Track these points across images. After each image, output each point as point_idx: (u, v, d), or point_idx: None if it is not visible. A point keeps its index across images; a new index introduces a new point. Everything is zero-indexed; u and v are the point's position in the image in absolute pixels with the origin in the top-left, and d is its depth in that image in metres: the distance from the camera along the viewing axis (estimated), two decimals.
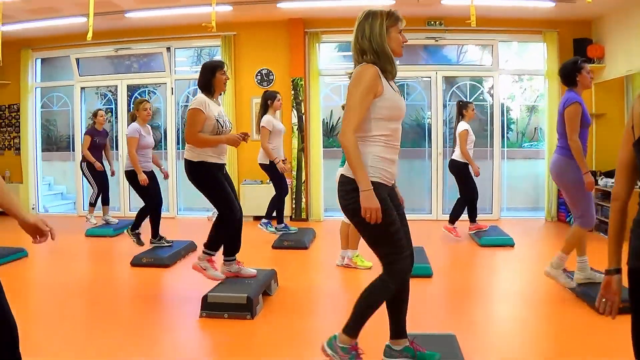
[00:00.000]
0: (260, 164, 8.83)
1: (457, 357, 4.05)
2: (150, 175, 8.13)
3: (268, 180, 9.37)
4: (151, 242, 8.08)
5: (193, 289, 6.07)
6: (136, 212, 8.30)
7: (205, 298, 5.32)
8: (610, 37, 10.42)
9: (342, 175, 3.64)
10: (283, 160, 8.80)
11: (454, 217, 9.11)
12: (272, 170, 8.74)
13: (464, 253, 8.45)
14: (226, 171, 6.01)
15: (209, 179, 5.71)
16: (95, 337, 4.83)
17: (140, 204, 8.23)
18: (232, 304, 5.25)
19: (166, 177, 8.66)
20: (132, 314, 5.54)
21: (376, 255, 3.70)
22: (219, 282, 5.82)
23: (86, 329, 5.10)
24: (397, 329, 3.88)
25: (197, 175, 5.72)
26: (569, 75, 5.77)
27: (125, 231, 8.41)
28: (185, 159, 5.75)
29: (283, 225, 9.18)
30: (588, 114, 5.70)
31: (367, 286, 3.71)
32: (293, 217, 11.21)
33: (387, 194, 3.58)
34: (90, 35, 8.12)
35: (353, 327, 3.71)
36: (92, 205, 10.20)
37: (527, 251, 8.56)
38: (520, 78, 12.62)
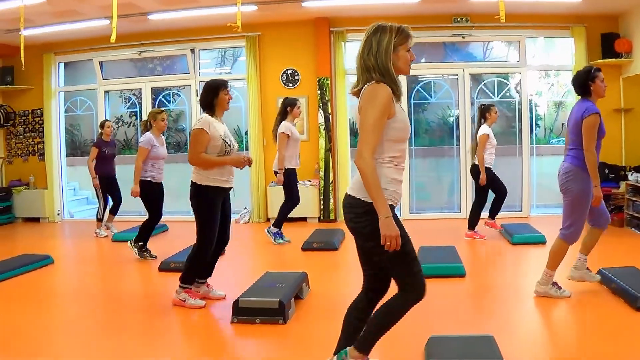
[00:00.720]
0: (276, 172, 8.80)
1: (498, 359, 4.02)
2: (160, 187, 8.15)
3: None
4: (135, 245, 8.12)
5: (224, 292, 6.14)
6: (165, 217, 8.36)
7: (236, 303, 5.31)
8: (638, 31, 10.33)
9: (350, 197, 3.55)
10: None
11: (472, 222, 9.15)
12: (287, 179, 8.73)
13: (495, 252, 8.41)
14: (227, 204, 5.97)
15: (207, 207, 5.65)
16: (125, 344, 4.87)
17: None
18: (264, 309, 5.23)
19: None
20: (163, 320, 5.54)
21: (394, 276, 3.65)
22: (251, 285, 5.79)
23: (116, 335, 5.10)
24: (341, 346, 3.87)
25: (197, 200, 5.66)
26: (583, 84, 5.73)
27: (129, 244, 8.28)
28: (191, 182, 5.67)
29: (278, 230, 9.09)
30: (604, 125, 5.65)
31: (385, 303, 3.69)
32: (322, 217, 11.19)
33: (395, 218, 3.47)
34: (114, 37, 8.09)
35: (367, 343, 3.70)
36: (100, 220, 10.19)
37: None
38: (547, 74, 12.56)
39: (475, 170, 9.02)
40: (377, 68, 3.41)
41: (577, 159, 5.62)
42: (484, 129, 8.87)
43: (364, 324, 3.75)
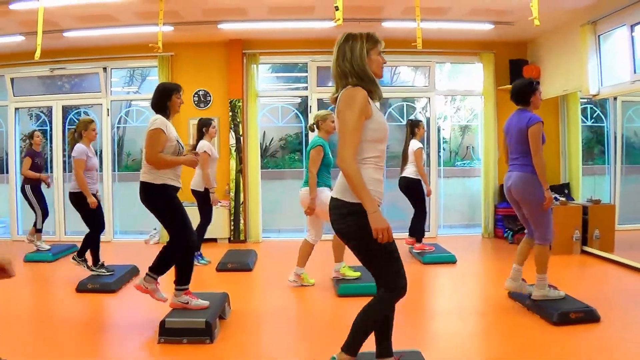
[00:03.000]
0: (193, 190, 8.86)
1: None
2: (96, 197, 8.01)
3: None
4: (91, 270, 7.93)
5: (145, 313, 6.14)
6: (80, 237, 8.22)
7: (162, 323, 5.32)
8: (546, 58, 10.94)
9: (334, 199, 3.71)
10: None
11: (418, 235, 9.38)
12: (205, 198, 8.83)
13: (408, 271, 8.49)
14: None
15: (169, 203, 5.68)
16: None
17: (79, 227, 8.19)
18: (190, 329, 5.27)
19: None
20: (86, 342, 5.45)
21: (374, 275, 3.81)
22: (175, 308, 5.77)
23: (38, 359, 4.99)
24: (385, 347, 4.06)
25: (156, 199, 5.67)
26: (524, 95, 6.06)
27: (72, 259, 8.12)
28: (142, 182, 5.65)
29: (198, 252, 9.14)
30: (544, 133, 5.93)
31: (368, 304, 3.84)
32: (232, 238, 11.31)
33: None
34: (38, 53, 8.17)
35: (353, 345, 3.84)
36: (39, 230, 9.93)
37: (469, 267, 8.89)
38: (453, 98, 13.07)
39: (405, 184, 9.23)
40: (354, 72, 3.62)
41: (527, 166, 5.91)
42: (416, 143, 9.16)
43: (389, 319, 3.99)
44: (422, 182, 9.17)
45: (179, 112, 5.99)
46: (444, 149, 13.17)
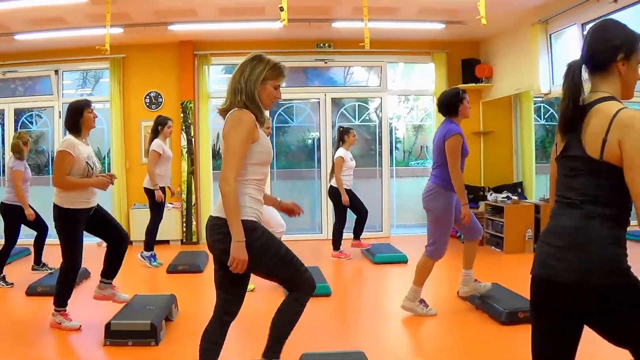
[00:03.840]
0: (145, 188, 8.88)
1: None
2: (21, 210, 8.02)
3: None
4: (32, 269, 8.04)
5: (93, 316, 6.10)
6: (30, 240, 8.45)
7: (108, 326, 5.33)
8: (497, 58, 11.09)
9: (216, 218, 3.63)
10: (169, 188, 9.07)
11: (336, 242, 9.54)
12: (153, 197, 8.85)
13: (359, 271, 8.78)
14: (99, 205, 5.97)
15: (69, 228, 5.69)
16: None
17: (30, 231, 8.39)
18: (136, 331, 5.28)
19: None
20: (34, 345, 5.47)
21: (280, 282, 3.91)
22: (121, 309, 5.82)
23: None
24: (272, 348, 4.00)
25: (59, 221, 5.69)
26: (451, 105, 5.98)
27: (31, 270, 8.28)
28: (54, 204, 5.69)
29: (151, 253, 9.15)
30: (466, 144, 5.89)
31: (280, 307, 3.86)
32: (184, 240, 11.34)
33: (263, 229, 3.67)
34: None
35: (274, 349, 3.87)
36: None
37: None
38: (407, 98, 13.14)
39: (332, 192, 9.38)
40: (245, 92, 3.59)
41: (439, 178, 5.89)
42: (340, 152, 9.24)
43: (221, 347, 3.91)
44: (349, 191, 9.34)
45: (94, 127, 5.97)
46: (397, 149, 13.23)
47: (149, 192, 8.86)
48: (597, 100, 2.51)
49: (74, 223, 5.70)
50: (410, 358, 5.03)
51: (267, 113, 10.50)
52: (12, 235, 8.02)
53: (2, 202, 8.05)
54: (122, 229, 6.14)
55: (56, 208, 5.67)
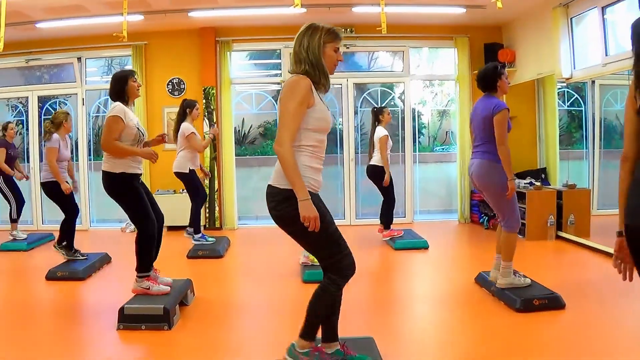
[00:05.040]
0: (177, 173, 8.93)
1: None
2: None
3: (182, 190, 9.65)
4: (67, 255, 8.09)
5: (109, 301, 6.15)
6: (58, 225, 8.32)
7: (122, 310, 5.40)
8: (520, 42, 11.05)
9: (270, 186, 3.79)
10: (202, 168, 9.30)
11: (387, 221, 9.51)
12: (190, 180, 8.95)
13: (379, 257, 8.78)
14: (142, 180, 6.05)
15: (129, 191, 5.74)
16: (9, 354, 4.88)
17: (57, 216, 8.37)
18: (149, 315, 5.34)
19: (76, 190, 8.56)
20: (49, 329, 5.57)
21: (318, 259, 3.92)
22: (134, 295, 5.83)
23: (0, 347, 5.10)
24: (330, 331, 4.10)
25: (116, 188, 5.72)
26: (490, 80, 5.98)
27: (53, 246, 8.28)
28: (103, 171, 5.73)
29: (201, 234, 9.33)
30: (510, 120, 5.89)
31: (317, 289, 3.91)
32: (207, 225, 11.52)
33: (318, 200, 3.74)
34: (1, 46, 8.24)
35: (309, 330, 3.93)
36: (15, 220, 10.10)
37: (441, 253, 8.94)
38: (431, 83, 13.22)
39: (371, 171, 9.38)
40: (308, 61, 3.73)
41: (489, 153, 5.86)
42: (382, 130, 9.25)
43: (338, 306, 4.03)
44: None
45: (139, 96, 6.10)
46: (422, 134, 13.25)
47: (183, 176, 8.94)
48: None
49: (131, 185, 5.76)
50: (421, 345, 5.03)
51: None
52: (67, 206, 8.19)
53: (41, 183, 8.21)
54: (160, 210, 6.14)
55: (107, 175, 5.72)
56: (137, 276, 5.85)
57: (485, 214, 10.87)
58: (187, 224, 9.46)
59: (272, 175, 3.81)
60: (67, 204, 8.17)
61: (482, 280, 6.55)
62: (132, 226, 11.47)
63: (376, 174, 9.31)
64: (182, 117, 8.96)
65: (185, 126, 8.83)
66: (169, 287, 5.90)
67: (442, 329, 5.48)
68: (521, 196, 9.73)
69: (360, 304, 6.28)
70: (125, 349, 5.06)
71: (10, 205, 10.02)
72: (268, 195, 3.80)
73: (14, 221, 10.08)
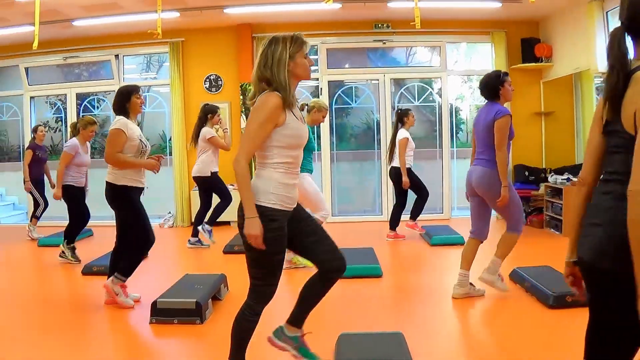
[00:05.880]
0: (197, 177, 9.08)
1: (405, 355, 4.22)
2: (82, 191, 8.50)
3: None
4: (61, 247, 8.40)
5: (143, 295, 6.30)
6: (96, 222, 8.77)
7: (154, 304, 5.51)
8: (557, 36, 11.05)
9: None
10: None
11: (394, 223, 9.68)
12: (214, 182, 9.06)
13: (414, 253, 8.85)
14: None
15: (128, 204, 5.91)
16: (47, 347, 4.99)
17: (94, 213, 8.64)
18: (181, 309, 5.45)
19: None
20: (83, 322, 5.69)
21: (250, 276, 3.83)
22: (169, 287, 6.01)
23: (39, 339, 5.23)
24: (299, 317, 4.13)
25: (117, 199, 5.91)
26: (492, 88, 5.93)
27: (60, 245, 8.55)
28: (106, 182, 5.91)
29: (210, 228, 9.34)
30: (513, 127, 5.87)
31: (237, 314, 3.93)
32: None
33: (285, 222, 3.69)
34: (36, 43, 8.41)
35: (236, 356, 4.02)
36: (37, 217, 10.46)
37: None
38: (470, 78, 13.26)
39: (394, 173, 9.50)
40: (273, 79, 3.61)
41: (491, 162, 5.83)
42: (403, 132, 9.32)
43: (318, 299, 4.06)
44: (410, 171, 9.36)
45: (141, 112, 6.18)
46: (461, 130, 13.30)
47: (204, 180, 9.05)
48: (635, 69, 2.34)
49: (132, 199, 5.92)
50: (451, 342, 5.05)
51: (324, 99, 10.87)
52: (76, 212, 8.39)
53: (63, 185, 8.37)
54: (152, 231, 6.17)
55: (110, 186, 5.89)
56: (115, 275, 6.03)
57: (524, 210, 10.86)
58: (227, 219, 9.60)
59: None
60: (76, 209, 8.39)
61: (516, 277, 6.58)
62: (171, 222, 11.71)
63: (398, 176, 9.40)
64: (202, 121, 9.06)
65: (206, 130, 8.94)
66: (133, 303, 6.07)
67: (473, 325, 5.51)
68: (558, 192, 9.80)
69: (390, 299, 6.36)
70: (157, 342, 5.20)
71: (40, 205, 10.38)
72: (239, 209, 3.67)
73: (37, 218, 10.49)
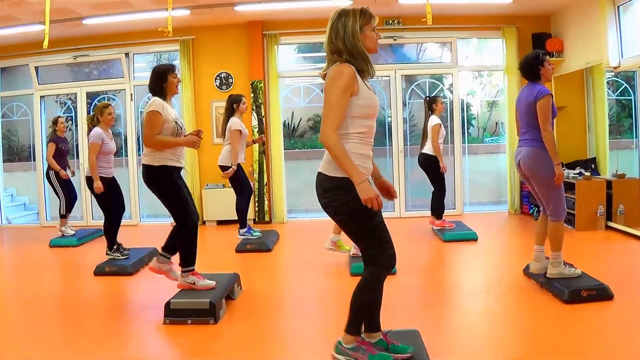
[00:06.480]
0: (222, 166, 9.08)
1: (422, 353, 4.26)
2: (113, 181, 8.35)
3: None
4: (107, 254, 8.19)
5: (156, 295, 6.28)
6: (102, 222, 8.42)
7: (168, 304, 5.52)
8: (568, 31, 11.07)
9: (320, 174, 3.83)
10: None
11: (438, 212, 9.63)
12: (236, 174, 9.06)
13: (427, 249, 8.89)
14: (182, 177, 6.14)
15: (169, 184, 5.84)
16: (60, 348, 5.04)
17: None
18: (195, 310, 5.45)
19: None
20: (96, 323, 5.71)
21: (360, 249, 3.92)
22: (183, 288, 5.98)
23: (50, 339, 5.27)
24: (372, 323, 4.14)
25: (157, 181, 5.83)
26: (532, 68, 6.03)
27: (106, 254, 8.24)
28: (144, 165, 5.85)
29: (247, 229, 9.49)
30: (555, 106, 5.94)
31: (359, 282, 3.93)
32: (256, 219, 11.76)
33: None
34: (46, 43, 8.48)
35: (353, 325, 3.98)
36: (64, 216, 10.26)
37: (490, 245, 8.99)
38: (480, 74, 13.33)
39: (425, 160, 9.49)
40: (347, 50, 3.70)
41: (536, 141, 5.92)
42: (434, 119, 9.38)
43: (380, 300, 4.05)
44: (436, 161, 9.36)
45: (177, 92, 6.15)
46: (472, 125, 13.35)
47: (226, 169, 9.07)
48: None
49: (172, 179, 5.87)
50: (467, 338, 5.07)
51: None
52: (111, 206, 8.27)
53: (86, 176, 8.32)
54: (195, 207, 6.19)
55: (148, 168, 5.84)
56: (182, 271, 6.01)
57: (535, 205, 10.88)
58: (234, 219, 9.73)
59: (322, 161, 3.86)
60: (108, 203, 8.25)
61: (530, 272, 6.56)
62: None
63: (427, 162, 9.43)
64: (230, 112, 9.12)
65: (233, 121, 8.99)
66: (214, 282, 6.01)
67: (489, 321, 5.50)
68: (570, 186, 9.79)
69: (406, 296, 6.35)
70: (171, 343, 5.22)
71: (60, 201, 10.19)
72: (317, 183, 3.86)
73: (62, 217, 10.25)
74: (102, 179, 8.12)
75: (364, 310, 3.99)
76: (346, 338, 4.00)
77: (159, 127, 5.73)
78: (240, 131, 9.00)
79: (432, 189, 9.67)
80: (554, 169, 5.84)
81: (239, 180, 9.21)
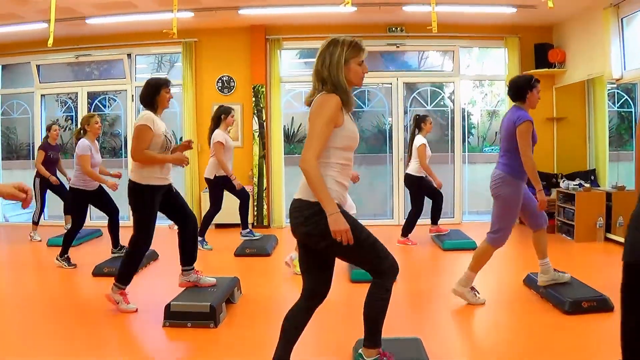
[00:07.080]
0: (205, 178, 9.28)
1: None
2: (100, 191, 8.36)
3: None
4: (112, 253, 8.34)
5: (155, 298, 6.30)
6: (106, 221, 8.59)
7: (168, 307, 5.55)
8: (570, 42, 11.21)
9: (297, 200, 3.76)
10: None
11: (408, 230, 9.74)
12: (215, 186, 9.22)
13: (426, 257, 8.97)
14: (175, 190, 6.21)
15: (148, 205, 5.86)
16: (58, 348, 5.05)
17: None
18: (195, 313, 5.48)
19: (118, 176, 8.62)
20: (95, 324, 5.70)
21: (360, 266, 3.92)
22: (182, 290, 6.05)
23: (48, 340, 5.27)
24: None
25: (138, 197, 5.85)
26: (520, 91, 6.03)
27: (55, 259, 8.33)
28: (130, 180, 5.87)
29: (248, 230, 9.64)
30: (535, 132, 5.92)
31: (367, 294, 3.92)
32: (255, 224, 11.82)
33: (344, 213, 3.67)
34: (51, 41, 8.55)
35: (372, 337, 3.98)
36: (36, 223, 10.53)
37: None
38: (481, 83, 13.46)
39: (409, 180, 9.62)
40: (330, 80, 3.71)
41: (507, 166, 5.99)
42: (420, 139, 9.41)
43: (300, 331, 4.00)
44: (429, 177, 9.48)
45: (168, 107, 6.13)
46: (472, 134, 13.45)
47: (208, 182, 9.25)
48: None
49: (150, 200, 5.87)
50: (468, 347, 5.15)
51: None
52: (79, 217, 8.31)
53: (70, 187, 8.38)
54: (190, 212, 6.28)
55: (132, 184, 5.85)
56: (114, 284, 6.05)
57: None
58: (237, 221, 9.81)
59: (299, 188, 3.82)
60: (79, 214, 8.28)
61: (530, 282, 6.66)
62: None
63: (412, 182, 9.56)
64: (216, 122, 9.19)
65: (216, 133, 9.06)
66: (135, 307, 6.05)
67: (490, 331, 5.56)
68: (570, 197, 9.90)
69: (407, 305, 6.39)
70: (171, 346, 5.24)
71: (35, 207, 10.44)
72: (295, 210, 3.79)
73: (35, 223, 10.57)
74: (81, 191, 8.15)
75: (380, 320, 3.97)
76: (367, 352, 4.02)
77: (147, 142, 5.76)
78: (223, 144, 9.03)
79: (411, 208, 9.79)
80: (519, 197, 5.99)
81: (216, 194, 9.29)
